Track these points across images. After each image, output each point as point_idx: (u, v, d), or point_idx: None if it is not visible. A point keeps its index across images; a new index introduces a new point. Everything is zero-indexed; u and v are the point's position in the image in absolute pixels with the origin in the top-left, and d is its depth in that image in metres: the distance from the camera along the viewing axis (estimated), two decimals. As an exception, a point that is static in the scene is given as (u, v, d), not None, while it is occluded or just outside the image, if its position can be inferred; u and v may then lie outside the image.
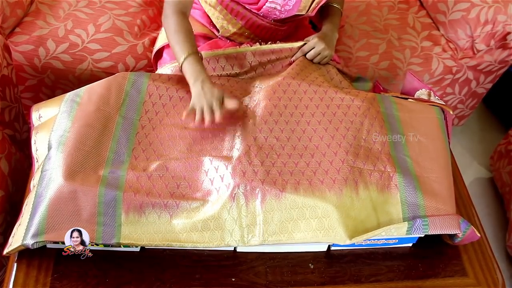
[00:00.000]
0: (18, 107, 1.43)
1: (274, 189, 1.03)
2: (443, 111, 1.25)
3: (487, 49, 1.72)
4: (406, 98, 1.30)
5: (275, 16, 1.34)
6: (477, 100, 1.97)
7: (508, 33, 1.65)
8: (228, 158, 1.07)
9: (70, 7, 1.65)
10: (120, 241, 1.00)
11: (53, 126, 1.11)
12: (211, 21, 1.41)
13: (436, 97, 1.28)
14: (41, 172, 1.05)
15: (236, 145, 1.10)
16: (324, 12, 1.43)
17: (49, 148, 1.08)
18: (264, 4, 1.31)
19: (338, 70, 1.38)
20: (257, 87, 1.24)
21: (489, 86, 1.91)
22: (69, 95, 1.16)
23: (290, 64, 1.32)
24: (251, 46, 1.33)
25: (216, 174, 1.06)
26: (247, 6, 1.34)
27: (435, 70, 1.73)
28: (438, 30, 1.80)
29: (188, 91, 1.21)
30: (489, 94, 1.99)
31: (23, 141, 1.46)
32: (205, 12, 1.41)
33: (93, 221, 1.00)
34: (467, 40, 1.70)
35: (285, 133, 1.13)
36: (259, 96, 1.19)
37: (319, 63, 1.35)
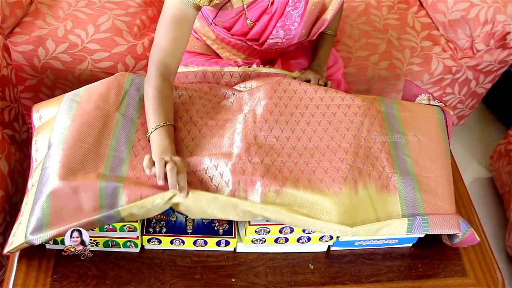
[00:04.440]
0: (18, 107, 1.43)
1: (274, 184, 1.03)
2: (443, 111, 1.25)
3: (486, 49, 1.72)
4: None
5: (277, 47, 1.36)
6: (476, 100, 1.97)
7: (508, 33, 1.65)
8: (227, 155, 1.07)
9: (69, 7, 1.65)
10: (121, 215, 0.97)
11: (53, 125, 1.11)
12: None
13: (436, 100, 1.28)
14: (41, 170, 1.04)
15: (235, 142, 1.10)
16: (318, 39, 1.46)
17: (49, 146, 1.08)
18: (266, 41, 1.32)
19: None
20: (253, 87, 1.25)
21: (489, 86, 1.91)
22: (68, 94, 1.16)
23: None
24: (250, 66, 1.35)
25: (216, 172, 1.05)
26: (249, 43, 1.35)
27: (435, 70, 1.73)
28: (438, 30, 1.80)
29: (187, 89, 1.21)
30: (489, 94, 1.99)
31: (23, 141, 1.46)
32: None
33: (96, 214, 0.99)
34: (467, 40, 1.70)
35: (285, 133, 1.13)
36: (259, 94, 1.19)
37: None
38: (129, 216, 0.98)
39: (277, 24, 1.28)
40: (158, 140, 1.05)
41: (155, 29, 1.69)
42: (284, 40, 1.33)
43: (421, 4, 1.89)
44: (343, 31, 1.75)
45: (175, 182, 0.96)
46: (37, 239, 0.97)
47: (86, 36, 1.58)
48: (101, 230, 1.03)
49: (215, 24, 1.32)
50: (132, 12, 1.69)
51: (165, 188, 1.01)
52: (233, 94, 1.21)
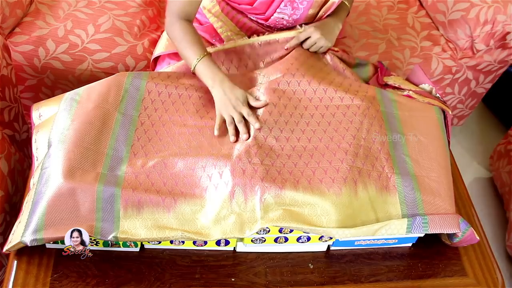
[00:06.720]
0: (18, 107, 1.43)
1: (273, 186, 1.03)
2: (442, 110, 1.25)
3: (486, 49, 1.72)
4: (406, 90, 1.30)
5: (281, 25, 1.35)
6: (476, 100, 1.97)
7: (508, 33, 1.65)
8: (227, 156, 1.07)
9: (69, 7, 1.65)
10: (118, 236, 0.99)
11: (53, 124, 1.11)
12: (215, 34, 1.40)
13: (437, 94, 1.28)
14: (41, 169, 1.05)
15: (235, 143, 1.10)
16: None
17: (49, 146, 1.08)
18: (272, 15, 1.31)
19: (338, 58, 1.37)
20: (260, 82, 1.25)
21: (489, 86, 1.91)
22: (68, 94, 1.16)
23: (287, 51, 1.31)
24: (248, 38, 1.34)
25: (215, 171, 1.06)
26: (253, 17, 1.34)
27: (435, 70, 1.73)
28: (438, 30, 1.80)
29: (188, 88, 1.21)
30: (489, 94, 2.00)
31: (23, 141, 1.46)
32: (207, 27, 1.41)
33: (91, 217, 1.00)
34: (467, 40, 1.70)
35: (284, 134, 1.13)
36: (259, 95, 1.19)
37: (315, 52, 1.34)
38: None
39: None
40: (205, 70, 1.17)
41: (155, 30, 1.70)
42: (290, 19, 1.31)
43: (421, 4, 1.89)
44: (343, 31, 1.75)
45: (247, 128, 1.12)
46: (32, 241, 0.98)
47: (86, 36, 1.58)
48: (105, 245, 1.05)
49: None
50: (132, 12, 1.69)
51: (164, 192, 1.02)
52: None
